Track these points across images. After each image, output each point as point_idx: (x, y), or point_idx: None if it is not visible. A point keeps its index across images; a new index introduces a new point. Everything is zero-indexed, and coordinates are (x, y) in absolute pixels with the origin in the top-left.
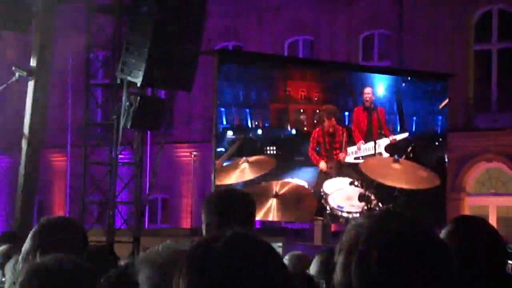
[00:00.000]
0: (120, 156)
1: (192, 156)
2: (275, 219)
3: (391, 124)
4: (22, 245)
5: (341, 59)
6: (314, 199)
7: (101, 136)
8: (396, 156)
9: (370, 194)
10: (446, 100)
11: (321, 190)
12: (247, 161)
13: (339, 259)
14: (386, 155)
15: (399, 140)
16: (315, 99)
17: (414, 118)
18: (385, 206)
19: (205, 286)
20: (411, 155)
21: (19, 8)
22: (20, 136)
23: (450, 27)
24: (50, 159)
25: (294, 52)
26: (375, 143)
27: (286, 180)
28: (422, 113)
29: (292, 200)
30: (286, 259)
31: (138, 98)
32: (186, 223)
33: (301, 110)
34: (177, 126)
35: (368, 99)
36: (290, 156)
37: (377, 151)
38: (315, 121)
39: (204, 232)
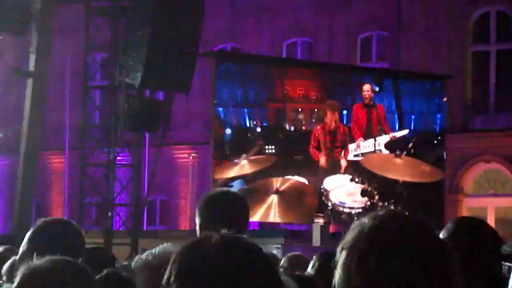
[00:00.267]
0: (118, 158)
1: (191, 157)
2: (277, 219)
3: (389, 122)
4: (20, 247)
5: (339, 60)
6: (315, 196)
7: (99, 138)
8: (398, 151)
9: (372, 190)
10: (444, 99)
11: (322, 187)
12: (247, 159)
13: (340, 258)
14: (386, 152)
15: (399, 137)
16: (313, 97)
17: (413, 116)
18: (387, 202)
19: None
20: (412, 151)
21: (17, 10)
22: (18, 137)
23: (448, 28)
24: (48, 161)
25: (292, 53)
26: (374, 140)
27: (286, 177)
28: (420, 112)
29: (294, 197)
30: (284, 260)
31: (136, 100)
32: (184, 224)
33: (299, 109)
34: (175, 127)
35: (367, 96)
36: (289, 155)
37: (376, 149)
38: (313, 120)
39: (198, 233)
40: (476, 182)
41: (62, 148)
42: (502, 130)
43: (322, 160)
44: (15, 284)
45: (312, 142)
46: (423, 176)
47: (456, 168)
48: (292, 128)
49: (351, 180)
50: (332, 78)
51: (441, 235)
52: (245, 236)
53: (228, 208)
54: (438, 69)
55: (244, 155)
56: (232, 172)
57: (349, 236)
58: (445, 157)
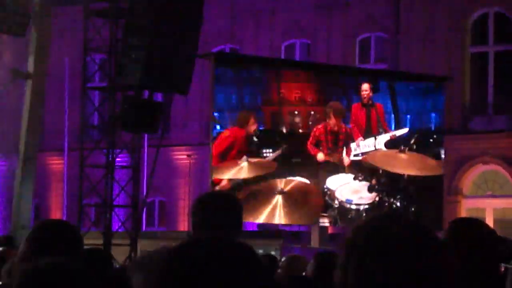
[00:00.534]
0: (117, 159)
1: (189, 158)
2: (282, 221)
3: (387, 123)
4: (19, 248)
5: (338, 62)
6: (321, 196)
7: (98, 139)
8: (402, 147)
9: (379, 186)
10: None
11: (325, 186)
12: (248, 161)
13: (339, 260)
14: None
15: (399, 136)
16: (309, 100)
17: (409, 116)
18: (393, 199)
19: None
20: (414, 147)
21: (17, 12)
22: (17, 139)
23: (446, 29)
24: (47, 162)
25: (291, 55)
26: (375, 139)
27: (289, 178)
28: (419, 113)
29: (299, 197)
30: (283, 261)
31: (135, 101)
32: (183, 225)
33: (296, 112)
34: (174, 129)
35: (365, 96)
36: (287, 158)
37: (377, 148)
38: (310, 123)
39: (192, 234)
40: (474, 183)
41: (61, 149)
42: (500, 131)
43: (320, 156)
44: (14, 285)
45: (310, 139)
46: (430, 169)
47: (455, 169)
48: (289, 131)
49: (355, 178)
50: (329, 80)
51: (440, 236)
52: (234, 237)
53: (221, 210)
54: (437, 70)
55: (244, 157)
56: (230, 174)
57: (347, 239)
58: (442, 156)
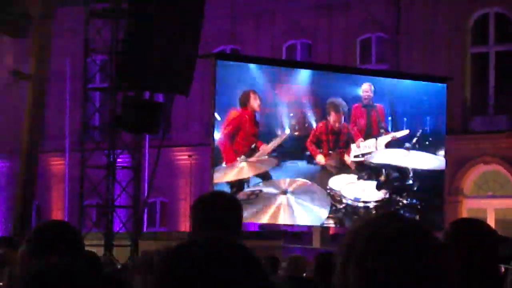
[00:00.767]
0: (118, 160)
1: (190, 159)
2: (287, 221)
3: (388, 123)
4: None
5: (339, 62)
6: (327, 196)
7: (99, 140)
8: (407, 144)
9: (389, 183)
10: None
11: (328, 187)
12: (246, 161)
13: (338, 260)
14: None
15: (399, 138)
16: (305, 102)
17: (409, 117)
18: (400, 196)
19: None
20: (416, 145)
21: (18, 13)
22: (19, 140)
23: (447, 30)
24: (49, 163)
25: (292, 55)
26: (376, 140)
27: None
28: (419, 113)
29: (306, 197)
30: (285, 261)
31: (136, 102)
32: (184, 226)
33: (291, 114)
34: (175, 129)
35: (366, 96)
36: (283, 161)
37: (378, 149)
38: (306, 125)
39: (192, 234)
40: (475, 183)
41: (62, 150)
42: (501, 132)
43: (320, 158)
44: (15, 286)
45: (310, 137)
46: (439, 162)
47: (456, 170)
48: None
49: (359, 178)
50: (325, 82)
51: (440, 237)
52: (234, 237)
53: (221, 210)
54: (437, 70)
55: (243, 156)
56: (231, 175)
57: (347, 238)
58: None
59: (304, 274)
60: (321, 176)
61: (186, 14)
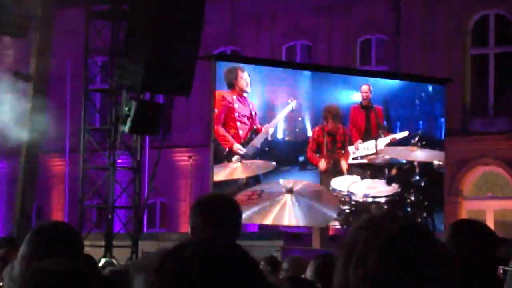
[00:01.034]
0: (118, 160)
1: (191, 160)
2: (292, 222)
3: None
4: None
5: (339, 64)
6: (334, 196)
7: (99, 141)
8: (411, 141)
9: (399, 176)
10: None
11: (330, 188)
12: (240, 161)
13: (338, 261)
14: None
15: (399, 139)
16: (296, 106)
17: (411, 119)
18: (407, 193)
19: None
20: (418, 144)
21: (18, 14)
22: (19, 141)
23: (447, 31)
24: (49, 164)
25: (292, 56)
26: (376, 141)
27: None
28: (419, 114)
29: (313, 197)
30: (285, 263)
31: (137, 103)
32: (185, 227)
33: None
34: (176, 130)
35: (365, 97)
36: (279, 165)
37: (378, 150)
38: (297, 129)
39: (190, 236)
40: (475, 185)
41: (63, 151)
42: (501, 133)
43: (322, 164)
44: (16, 287)
45: (310, 145)
46: (439, 156)
47: (455, 171)
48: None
49: (362, 178)
50: (321, 86)
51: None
52: (233, 238)
53: (220, 211)
54: (437, 72)
55: (237, 157)
56: (222, 175)
57: (347, 239)
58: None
59: (303, 275)
60: (322, 179)
61: (186, 15)
